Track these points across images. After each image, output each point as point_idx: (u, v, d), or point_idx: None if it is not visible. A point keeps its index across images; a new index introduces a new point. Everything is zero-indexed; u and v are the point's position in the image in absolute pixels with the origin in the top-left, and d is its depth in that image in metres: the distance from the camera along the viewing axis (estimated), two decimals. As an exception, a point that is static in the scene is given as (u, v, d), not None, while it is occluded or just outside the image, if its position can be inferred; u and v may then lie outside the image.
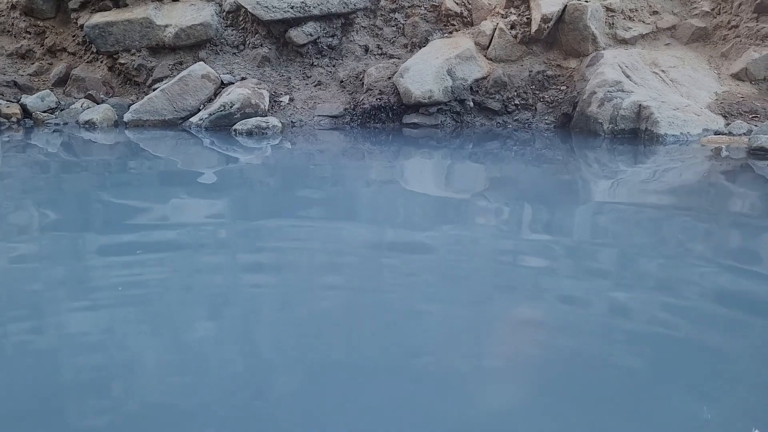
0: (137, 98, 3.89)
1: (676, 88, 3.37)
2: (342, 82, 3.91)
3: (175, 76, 3.78)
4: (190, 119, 3.59)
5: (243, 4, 3.87)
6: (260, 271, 1.37)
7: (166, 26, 3.93)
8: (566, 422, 0.82)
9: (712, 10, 3.69)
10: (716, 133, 3.02)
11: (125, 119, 3.62)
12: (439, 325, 1.11)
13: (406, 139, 3.44)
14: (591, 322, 1.11)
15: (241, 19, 4.03)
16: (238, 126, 3.34)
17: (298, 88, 3.91)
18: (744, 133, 2.92)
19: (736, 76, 3.48)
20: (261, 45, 3.98)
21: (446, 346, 1.03)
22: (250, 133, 3.32)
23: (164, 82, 3.83)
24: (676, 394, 0.88)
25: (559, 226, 1.76)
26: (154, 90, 3.76)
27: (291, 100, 3.81)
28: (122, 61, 3.98)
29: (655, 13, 3.75)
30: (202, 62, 3.81)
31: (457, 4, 3.90)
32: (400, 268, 1.38)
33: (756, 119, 3.14)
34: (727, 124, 3.10)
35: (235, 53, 4.03)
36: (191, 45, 3.96)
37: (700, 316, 1.13)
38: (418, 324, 1.11)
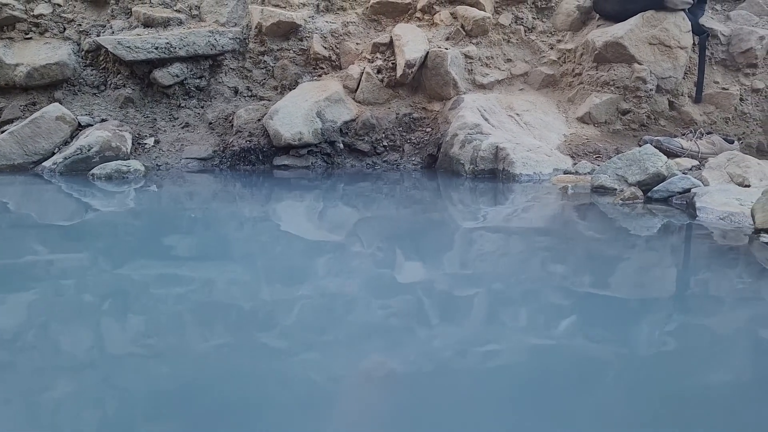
0: (-17, 141, 3.59)
1: (530, 131, 3.62)
2: (211, 123, 3.84)
3: (27, 117, 3.54)
4: (43, 164, 3.36)
5: (103, 44, 3.72)
6: (125, 317, 1.29)
7: (17, 65, 3.69)
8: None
9: (558, 59, 4.03)
10: (565, 172, 3.27)
11: (-33, 164, 3.33)
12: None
13: (277, 181, 3.43)
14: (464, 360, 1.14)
15: (101, 58, 3.87)
16: (96, 170, 3.17)
17: (165, 130, 3.79)
18: (588, 173, 3.17)
19: (582, 120, 3.80)
20: (124, 85, 3.84)
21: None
22: (109, 178, 3.16)
23: (14, 124, 3.58)
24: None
25: (432, 261, 1.82)
26: (3, 132, 3.50)
27: (156, 142, 3.69)
28: (-35, 102, 3.68)
29: (509, 60, 4.03)
30: (57, 103, 3.60)
31: (325, 48, 3.98)
32: (281, 313, 1.36)
33: (599, 159, 3.43)
34: (575, 164, 3.37)
35: (95, 94, 3.85)
36: (46, 85, 3.74)
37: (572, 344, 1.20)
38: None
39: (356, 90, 3.87)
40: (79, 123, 3.56)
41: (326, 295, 1.53)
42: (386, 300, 1.48)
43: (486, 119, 3.58)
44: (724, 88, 3.84)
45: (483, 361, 1.16)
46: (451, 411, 0.98)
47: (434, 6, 4.05)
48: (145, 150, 3.61)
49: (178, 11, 3.95)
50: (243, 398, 1.01)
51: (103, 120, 3.65)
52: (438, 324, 1.33)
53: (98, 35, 3.85)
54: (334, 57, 4.01)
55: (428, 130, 3.83)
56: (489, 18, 3.96)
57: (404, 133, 3.83)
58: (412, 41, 3.83)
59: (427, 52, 3.81)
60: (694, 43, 3.85)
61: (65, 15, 3.90)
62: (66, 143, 3.49)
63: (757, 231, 1.98)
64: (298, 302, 1.45)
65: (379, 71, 3.87)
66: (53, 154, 3.43)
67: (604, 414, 0.98)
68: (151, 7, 3.94)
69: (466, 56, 3.91)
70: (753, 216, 2.02)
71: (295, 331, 1.29)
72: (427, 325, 1.33)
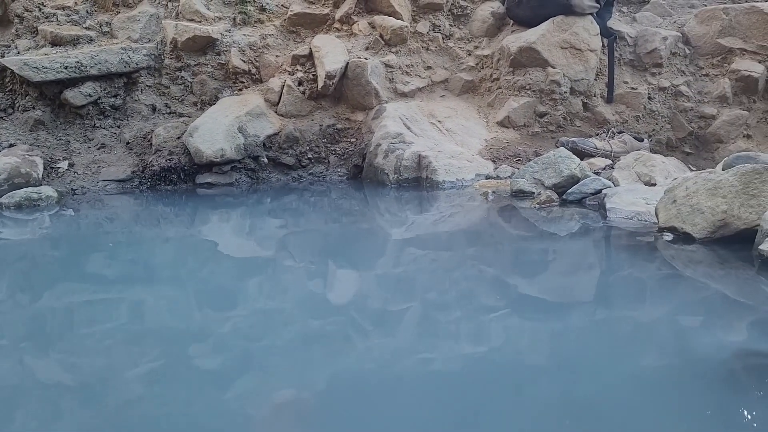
0: None
1: (452, 137, 3.68)
2: (128, 143, 3.72)
3: (-74, 146, 3.34)
4: (-55, 195, 3.18)
5: (8, 66, 3.56)
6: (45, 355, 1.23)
7: None
8: None
9: (477, 64, 4.12)
10: (487, 177, 3.34)
11: None
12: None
13: (201, 200, 3.37)
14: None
15: (7, 80, 3.69)
16: (3, 199, 3.02)
17: (79, 152, 3.65)
18: (509, 177, 3.25)
19: (501, 124, 3.90)
20: (33, 108, 3.67)
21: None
22: (18, 206, 3.01)
23: None
24: None
25: (362, 274, 1.84)
26: None
27: (71, 165, 3.55)
28: None
29: (429, 68, 4.09)
30: (-41, 130, 3.42)
31: (244, 61, 3.93)
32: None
33: (519, 162, 3.53)
34: (496, 168, 3.45)
35: (2, 117, 3.67)
36: (-54, 110, 3.54)
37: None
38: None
39: (278, 103, 3.83)
40: (-16, 150, 3.39)
41: (258, 316, 1.52)
42: (320, 317, 1.49)
43: (408, 128, 3.62)
44: (633, 88, 4.01)
45: (419, 370, 1.17)
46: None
47: (352, 16, 4.06)
48: (59, 174, 3.47)
49: (87, 29, 3.81)
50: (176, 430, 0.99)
51: (11, 145, 3.48)
52: (373, 337, 1.36)
53: (2, 56, 3.68)
54: (253, 70, 3.96)
55: (353, 140, 3.84)
56: (407, 27, 4.01)
57: (329, 145, 3.82)
58: (331, 52, 3.83)
59: (347, 63, 3.82)
60: (603, 45, 4.01)
61: (-36, 36, 3.71)
62: (-29, 172, 3.30)
63: (661, 229, 2.08)
64: (230, 326, 1.44)
65: (300, 83, 3.85)
66: (-43, 184, 3.24)
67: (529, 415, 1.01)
68: (58, 25, 3.79)
69: (387, 65, 3.94)
70: (657, 215, 2.12)
71: (228, 357, 1.27)
72: (363, 339, 1.35)
